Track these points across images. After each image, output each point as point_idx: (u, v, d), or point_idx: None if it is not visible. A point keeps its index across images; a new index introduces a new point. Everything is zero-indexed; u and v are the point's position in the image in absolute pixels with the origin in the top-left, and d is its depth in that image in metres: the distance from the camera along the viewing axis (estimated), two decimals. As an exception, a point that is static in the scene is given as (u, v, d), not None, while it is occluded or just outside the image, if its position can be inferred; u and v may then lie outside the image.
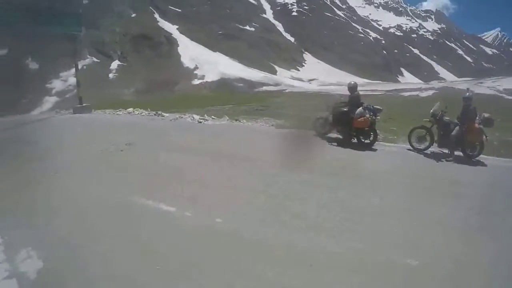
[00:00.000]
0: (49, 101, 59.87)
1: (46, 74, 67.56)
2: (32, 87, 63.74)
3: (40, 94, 62.30)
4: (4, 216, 3.98)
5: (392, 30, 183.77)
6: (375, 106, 8.34)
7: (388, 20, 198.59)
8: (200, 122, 10.65)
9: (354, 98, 8.55)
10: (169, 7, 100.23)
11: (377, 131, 8.60)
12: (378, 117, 8.45)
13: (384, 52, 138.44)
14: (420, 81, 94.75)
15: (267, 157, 6.72)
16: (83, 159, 6.32)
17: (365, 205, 4.57)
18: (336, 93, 54.08)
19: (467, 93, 7.82)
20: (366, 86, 68.02)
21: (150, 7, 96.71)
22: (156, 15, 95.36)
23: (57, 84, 65.69)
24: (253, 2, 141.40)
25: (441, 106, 8.17)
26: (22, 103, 57.70)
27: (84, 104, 13.58)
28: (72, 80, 53.78)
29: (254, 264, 3.13)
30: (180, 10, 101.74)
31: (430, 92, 47.04)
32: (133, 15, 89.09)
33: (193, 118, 11.23)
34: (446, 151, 7.92)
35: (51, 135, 9.04)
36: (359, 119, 8.10)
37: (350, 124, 8.24)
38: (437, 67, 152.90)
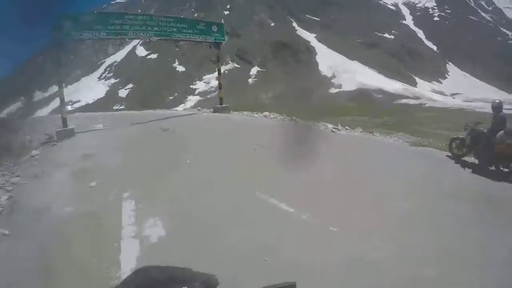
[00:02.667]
0: (192, 100, 66.95)
1: (191, 76, 76.98)
2: (178, 87, 73.21)
3: (185, 93, 71.12)
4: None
5: None
6: None
7: None
8: (333, 131, 10.73)
9: (498, 119, 7.50)
10: (307, 16, 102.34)
11: None
12: None
13: None
14: None
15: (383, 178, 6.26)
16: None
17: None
18: (483, 111, 47.99)
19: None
20: None
21: (288, 16, 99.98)
22: (295, 24, 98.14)
23: (200, 86, 73.81)
24: (392, 8, 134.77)
25: None
26: (168, 100, 66.57)
27: (224, 105, 14.61)
28: (214, 83, 60.04)
29: None
30: (318, 19, 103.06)
31: None
32: (272, 24, 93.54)
33: (326, 127, 11.31)
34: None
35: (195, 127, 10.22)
36: (500, 145, 7.05)
37: (491, 149, 7.23)
38: None
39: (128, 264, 3.41)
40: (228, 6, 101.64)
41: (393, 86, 71.49)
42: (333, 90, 70.08)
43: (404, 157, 8.37)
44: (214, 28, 14.80)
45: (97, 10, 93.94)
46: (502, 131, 7.14)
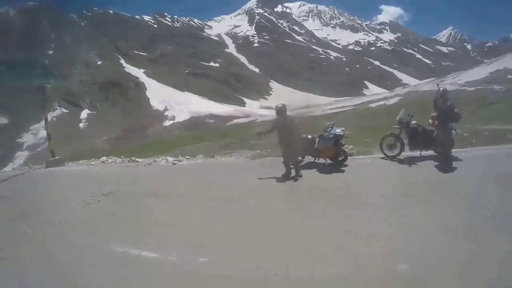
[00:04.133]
0: (21, 156, 58.89)
1: (16, 128, 67.02)
2: (2, 143, 62.19)
3: (11, 150, 61.31)
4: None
5: (351, 47, 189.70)
6: (336, 131, 7.85)
7: (346, 38, 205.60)
8: (175, 163, 10.51)
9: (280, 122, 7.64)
10: (134, 52, 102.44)
11: (349, 147, 9.10)
12: (343, 142, 8.30)
13: (347, 69, 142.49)
14: (385, 90, 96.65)
15: (242, 193, 6.74)
16: (63, 213, 6.38)
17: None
18: (310, 116, 55.74)
19: (440, 88, 7.61)
20: (335, 104, 69.77)
21: (116, 53, 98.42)
22: (122, 61, 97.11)
23: (28, 138, 65.14)
24: (216, 38, 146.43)
25: (405, 112, 8.54)
26: None
27: (56, 157, 13.07)
28: (43, 133, 52.84)
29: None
30: (145, 54, 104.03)
31: (396, 99, 48.19)
32: (99, 62, 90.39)
33: (167, 160, 11.09)
34: (417, 153, 7.99)
35: (29, 190, 9.12)
36: (323, 151, 8.06)
37: (317, 154, 8.24)
38: (399, 74, 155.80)
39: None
40: (52, 45, 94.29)
41: (224, 109, 76.52)
42: (167, 123, 70.97)
43: (244, 172, 8.64)
44: (38, 70, 13.29)
45: None
46: (319, 139, 8.04)
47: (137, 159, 11.81)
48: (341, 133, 7.86)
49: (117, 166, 11.34)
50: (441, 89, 7.55)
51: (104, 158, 12.92)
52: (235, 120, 67.27)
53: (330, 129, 7.95)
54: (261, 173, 7.81)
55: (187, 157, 11.65)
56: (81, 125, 71.19)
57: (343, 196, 5.97)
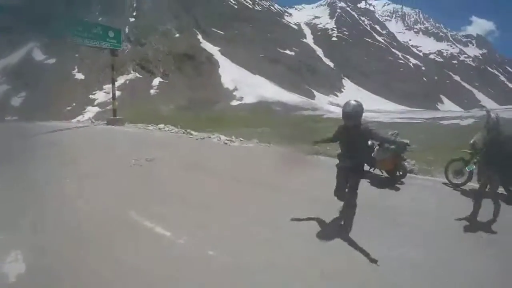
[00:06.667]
0: (91, 111, 62.55)
1: (90, 85, 71.72)
2: (76, 97, 67.20)
3: (83, 104, 65.84)
4: None
5: (432, 56, 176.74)
6: (399, 140, 6.48)
7: (428, 46, 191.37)
8: (226, 143, 10.33)
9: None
10: (212, 29, 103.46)
11: (408, 163, 7.77)
12: (405, 156, 7.25)
13: (424, 79, 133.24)
14: (461, 109, 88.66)
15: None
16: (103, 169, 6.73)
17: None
18: (376, 121, 54.21)
19: (492, 115, 5.30)
20: (406, 113, 66.35)
21: (194, 28, 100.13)
22: (199, 36, 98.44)
23: (100, 96, 68.98)
24: (294, 27, 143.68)
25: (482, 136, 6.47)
26: (65, 111, 60.81)
27: (118, 117, 14.44)
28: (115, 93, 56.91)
29: None
30: (222, 33, 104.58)
31: (471, 121, 44.08)
32: (177, 35, 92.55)
33: (219, 138, 11.03)
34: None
35: (80, 142, 10.13)
36: (381, 162, 7.07)
37: (374, 163, 7.21)
38: (479, 95, 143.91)
39: None
40: (134, 13, 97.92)
41: (292, 99, 74.98)
42: (234, 103, 70.97)
43: (293, 166, 8.10)
44: (111, 34, 14.32)
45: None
46: (379, 147, 7.13)
47: (192, 132, 11.95)
48: (404, 145, 6.66)
49: (171, 135, 11.63)
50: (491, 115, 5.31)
51: (161, 125, 13.56)
52: (302, 112, 65.38)
53: (393, 138, 6.49)
54: (311, 174, 6.96)
55: (241, 139, 11.42)
56: (151, 91, 73.57)
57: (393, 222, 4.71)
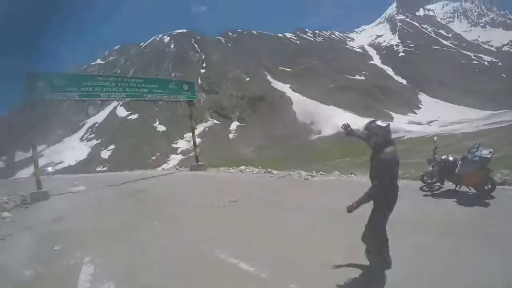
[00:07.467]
0: (175, 158, 67.14)
1: (172, 135, 78.15)
2: (159, 146, 73.32)
3: (166, 153, 71.45)
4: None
5: (506, 48, 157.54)
6: (483, 153, 6.17)
7: (499, 37, 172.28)
8: (306, 178, 10.13)
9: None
10: (279, 67, 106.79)
11: (504, 171, 7.29)
12: (491, 168, 6.40)
13: (503, 75, 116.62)
14: None
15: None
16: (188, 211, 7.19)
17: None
18: (460, 133, 49.91)
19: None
20: (491, 118, 61.96)
21: (262, 70, 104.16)
22: (269, 77, 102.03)
23: (182, 144, 74.63)
24: (359, 50, 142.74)
25: None
26: (151, 160, 66.12)
27: (200, 163, 15.41)
28: (196, 140, 61.59)
29: None
30: (290, 70, 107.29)
31: None
32: (247, 79, 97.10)
33: (300, 174, 10.88)
34: None
35: (166, 188, 10.86)
36: (466, 177, 6.43)
37: (458, 180, 6.61)
38: None
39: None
40: (204, 65, 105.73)
41: None
42: (312, 137, 71.08)
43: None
44: (185, 87, 15.47)
45: (77, 70, 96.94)
46: (459, 161, 6.64)
47: (272, 171, 12.16)
48: (488, 156, 6.19)
49: (252, 175, 11.85)
50: None
51: (242, 167, 14.03)
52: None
53: (475, 150, 6.33)
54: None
55: (321, 172, 11.33)
56: (230, 135, 77.77)
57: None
